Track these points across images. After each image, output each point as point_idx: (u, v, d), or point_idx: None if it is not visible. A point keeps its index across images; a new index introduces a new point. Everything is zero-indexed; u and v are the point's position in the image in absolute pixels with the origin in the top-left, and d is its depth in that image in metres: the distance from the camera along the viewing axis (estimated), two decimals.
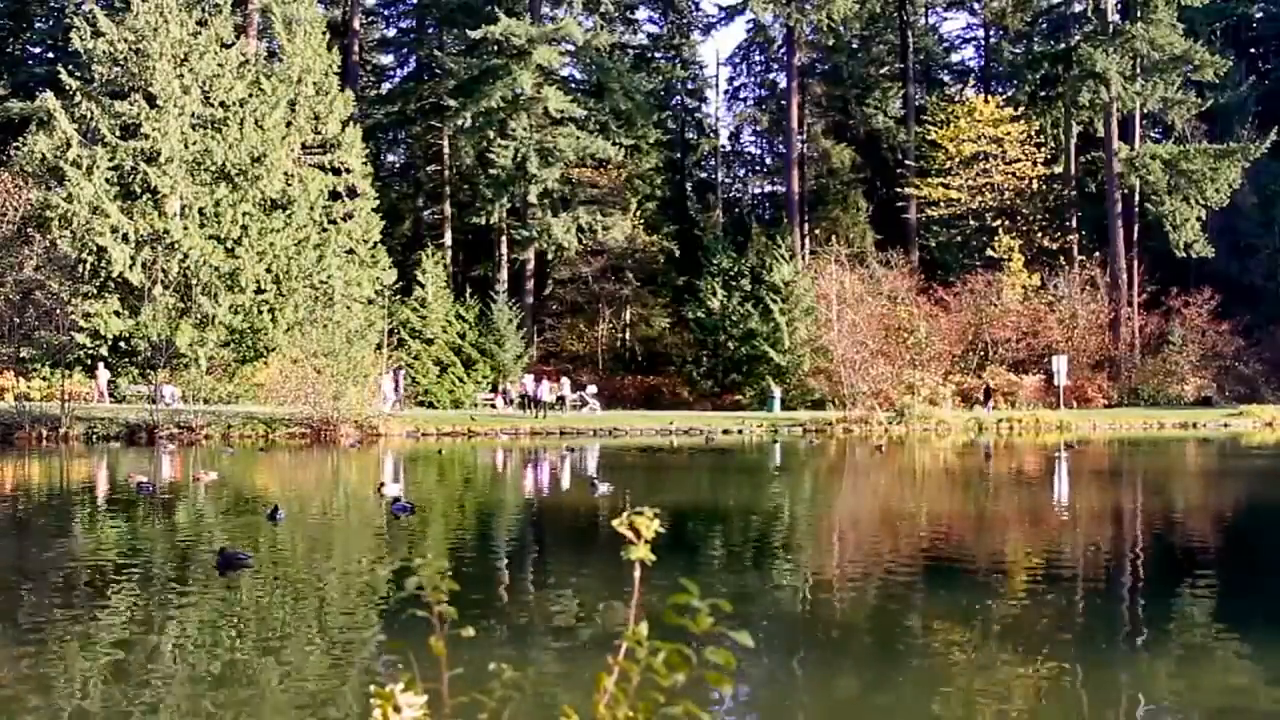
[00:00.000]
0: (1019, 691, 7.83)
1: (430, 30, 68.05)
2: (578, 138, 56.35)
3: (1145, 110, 60.91)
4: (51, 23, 62.13)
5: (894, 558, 14.01)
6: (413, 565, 2.49)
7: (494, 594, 11.55)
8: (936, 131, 61.83)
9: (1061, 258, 58.67)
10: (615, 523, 2.10)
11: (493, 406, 48.36)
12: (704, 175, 75.03)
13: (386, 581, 11.72)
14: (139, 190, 42.80)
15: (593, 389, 48.95)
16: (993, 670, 8.35)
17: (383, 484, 19.53)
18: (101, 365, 41.43)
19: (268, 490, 23.10)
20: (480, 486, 25.07)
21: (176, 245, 42.27)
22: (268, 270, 44.16)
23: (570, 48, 59.67)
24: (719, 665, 1.95)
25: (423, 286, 52.05)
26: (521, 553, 14.85)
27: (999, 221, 60.51)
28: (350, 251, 48.37)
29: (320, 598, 11.14)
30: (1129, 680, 8.15)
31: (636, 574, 1.97)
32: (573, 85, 63.03)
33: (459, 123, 59.04)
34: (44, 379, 40.37)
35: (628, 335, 62.06)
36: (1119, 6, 59.62)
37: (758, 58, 75.10)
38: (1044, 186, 62.80)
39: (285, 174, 45.46)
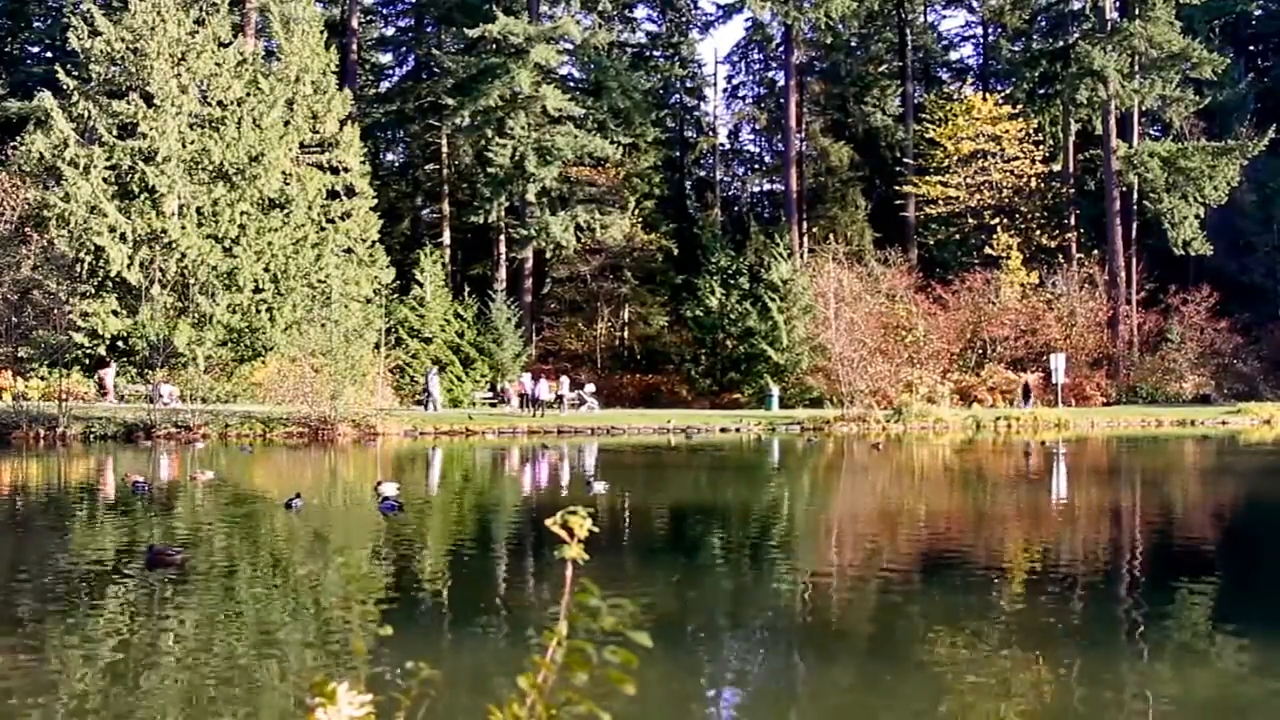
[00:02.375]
0: (1018, 691, 7.82)
1: (429, 29, 68.01)
2: (576, 136, 56.29)
3: (1144, 108, 60.89)
4: (49, 22, 62.08)
5: (892, 556, 14.01)
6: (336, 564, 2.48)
7: (481, 592, 11.55)
8: (935, 129, 61.84)
9: (1060, 255, 58.66)
10: (549, 522, 2.09)
11: (492, 405, 48.30)
12: (702, 174, 74.98)
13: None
14: (136, 190, 42.76)
15: (591, 388, 48.93)
16: (992, 669, 8.34)
17: (380, 483, 19.51)
18: (113, 365, 41.42)
19: (266, 490, 23.11)
20: (475, 485, 25.05)
21: (174, 245, 42.23)
22: (266, 269, 44.13)
23: (568, 46, 59.60)
24: (619, 665, 1.94)
25: (421, 285, 51.99)
26: (507, 550, 14.84)
27: (997, 219, 60.52)
28: (348, 250, 48.32)
29: (314, 595, 11.13)
30: (1129, 679, 8.14)
31: (569, 572, 1.96)
32: (571, 84, 62.97)
33: (457, 121, 59.00)
34: (42, 378, 40.34)
35: (626, 334, 62.02)
36: (1117, 4, 59.58)
37: (756, 56, 75.10)
38: (1042, 184, 62.79)
39: (283, 173, 45.41)
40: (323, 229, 47.28)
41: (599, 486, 20.03)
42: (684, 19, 71.62)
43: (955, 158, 61.26)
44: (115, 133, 42.93)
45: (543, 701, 1.83)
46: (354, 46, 60.95)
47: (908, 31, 69.24)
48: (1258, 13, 70.96)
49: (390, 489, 18.62)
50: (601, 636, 1.95)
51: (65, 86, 42.83)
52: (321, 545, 14.73)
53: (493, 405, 48.35)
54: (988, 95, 64.01)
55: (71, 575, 12.16)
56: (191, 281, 42.87)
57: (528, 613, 10.49)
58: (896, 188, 63.36)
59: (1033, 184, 62.16)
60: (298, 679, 8.01)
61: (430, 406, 43.79)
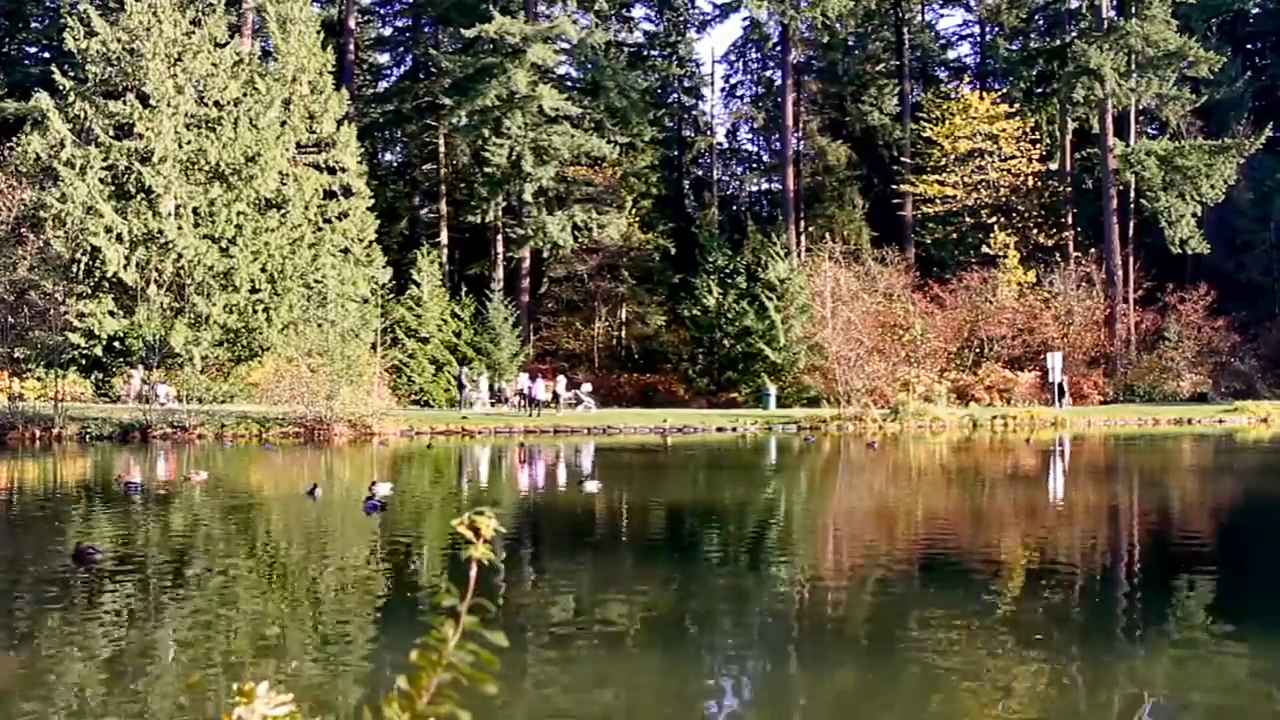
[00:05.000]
0: (1018, 690, 7.80)
1: (426, 29, 67.94)
2: (573, 136, 56.25)
3: (1140, 106, 60.87)
4: (46, 22, 61.97)
5: (889, 555, 14.00)
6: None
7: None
8: (932, 128, 61.82)
9: (1057, 254, 58.62)
10: (455, 523, 2.09)
11: (492, 405, 48.24)
12: (700, 173, 74.92)
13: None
14: (133, 190, 42.72)
15: (588, 387, 48.88)
16: (991, 668, 8.32)
17: (374, 483, 19.48)
18: (141, 368, 41.29)
19: (260, 490, 23.11)
20: (467, 485, 25.01)
21: (171, 245, 42.18)
22: (262, 270, 44.09)
23: (565, 45, 59.58)
24: (478, 664, 1.93)
25: (418, 285, 51.96)
26: (498, 550, 14.82)
27: (994, 218, 60.51)
28: (345, 250, 48.28)
29: (313, 595, 11.12)
30: (1129, 679, 8.12)
31: (473, 572, 1.95)
32: (568, 83, 62.92)
33: (454, 121, 58.95)
34: (38, 379, 40.33)
35: (623, 333, 62.01)
36: (1114, 3, 59.59)
37: (753, 55, 75.03)
38: (1039, 183, 62.79)
39: (280, 173, 45.35)
40: (319, 229, 47.26)
41: (591, 486, 20.05)
42: (681, 18, 71.57)
43: (952, 156, 61.24)
44: (111, 133, 42.88)
45: (411, 707, 1.82)
46: (351, 46, 60.87)
47: (905, 30, 69.21)
48: (1255, 11, 70.91)
49: (384, 489, 18.62)
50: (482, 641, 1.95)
51: (61, 87, 42.77)
52: (305, 545, 14.73)
53: (492, 405, 48.31)
54: (985, 94, 63.97)
55: (46, 576, 12.14)
56: (188, 282, 42.83)
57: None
58: (894, 187, 63.35)
59: (1030, 183, 62.15)
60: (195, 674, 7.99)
61: (475, 406, 44.25)
